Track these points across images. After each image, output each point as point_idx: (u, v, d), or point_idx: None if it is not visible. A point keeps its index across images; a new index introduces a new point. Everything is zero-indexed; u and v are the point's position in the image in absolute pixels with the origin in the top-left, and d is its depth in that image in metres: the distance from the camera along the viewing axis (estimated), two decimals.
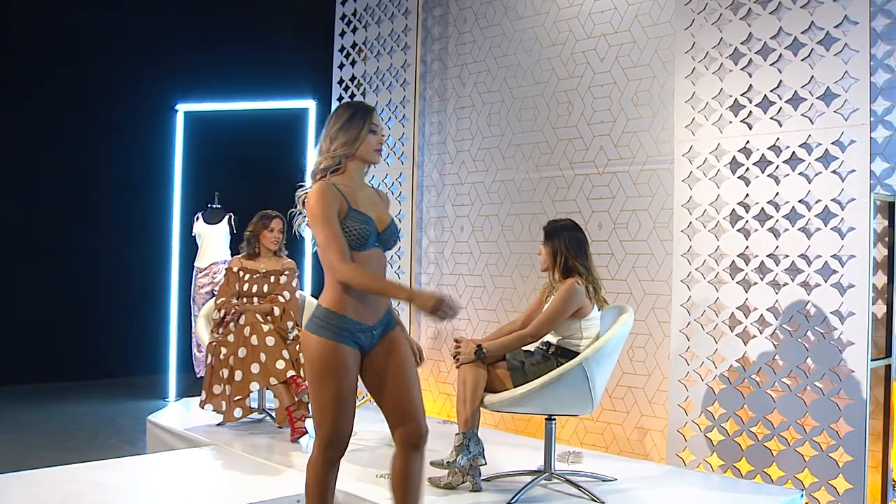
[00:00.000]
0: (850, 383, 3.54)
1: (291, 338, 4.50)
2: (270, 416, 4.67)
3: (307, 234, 2.70)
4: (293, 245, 4.77)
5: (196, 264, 6.62)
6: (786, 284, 3.78)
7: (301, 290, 5.13)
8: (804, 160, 3.75)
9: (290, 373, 4.28)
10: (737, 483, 3.74)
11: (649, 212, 4.47)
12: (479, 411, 3.41)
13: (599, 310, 3.53)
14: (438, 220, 5.67)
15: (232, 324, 4.46)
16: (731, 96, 4.00)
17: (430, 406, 5.43)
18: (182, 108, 7.11)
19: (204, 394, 4.50)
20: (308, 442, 4.26)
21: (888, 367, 3.72)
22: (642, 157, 4.51)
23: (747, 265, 3.92)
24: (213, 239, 6.61)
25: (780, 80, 3.84)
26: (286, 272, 4.72)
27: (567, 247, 3.47)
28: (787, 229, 3.80)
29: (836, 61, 3.67)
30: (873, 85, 3.61)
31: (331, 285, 2.53)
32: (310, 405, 4.28)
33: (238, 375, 4.29)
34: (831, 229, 3.65)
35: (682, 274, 4.13)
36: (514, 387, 3.35)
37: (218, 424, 4.53)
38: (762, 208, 3.88)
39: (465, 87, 5.52)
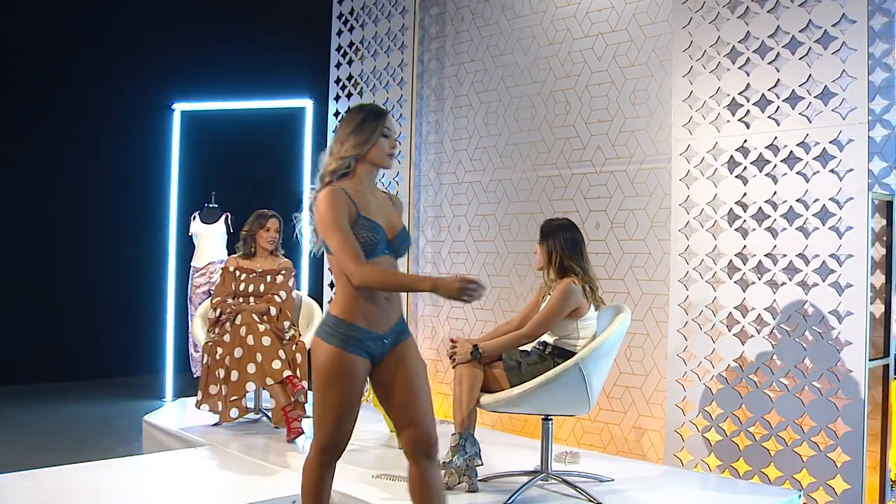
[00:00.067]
0: (848, 383, 3.53)
1: (288, 338, 4.48)
2: (267, 416, 4.66)
3: (309, 237, 2.62)
4: (290, 245, 4.75)
5: (193, 264, 6.61)
6: (784, 284, 3.77)
7: (298, 289, 5.12)
8: (802, 159, 3.74)
9: (287, 373, 4.27)
10: (734, 483, 3.73)
11: (647, 211, 4.45)
12: (476, 411, 3.39)
13: (596, 309, 3.51)
14: (435, 220, 5.66)
15: (228, 324, 4.45)
16: (728, 95, 3.99)
17: None
18: (179, 107, 7.09)
19: (200, 394, 4.48)
20: (304, 442, 4.24)
21: (886, 367, 3.71)
22: (640, 157, 4.50)
23: (745, 265, 3.90)
24: (210, 238, 6.60)
25: (778, 79, 3.83)
26: (283, 272, 4.71)
27: (562, 247, 3.46)
28: (784, 229, 3.78)
29: (834, 60, 3.65)
30: (871, 84, 3.59)
31: (342, 293, 2.49)
32: (306, 405, 4.32)
33: (234, 375, 4.28)
34: (829, 228, 3.64)
35: (679, 273, 4.11)
36: (511, 387, 3.34)
37: (214, 425, 4.51)
38: (760, 207, 3.87)
39: (462, 87, 5.51)
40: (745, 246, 3.90)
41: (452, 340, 3.48)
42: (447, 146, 5.59)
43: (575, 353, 3.37)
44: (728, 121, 3.99)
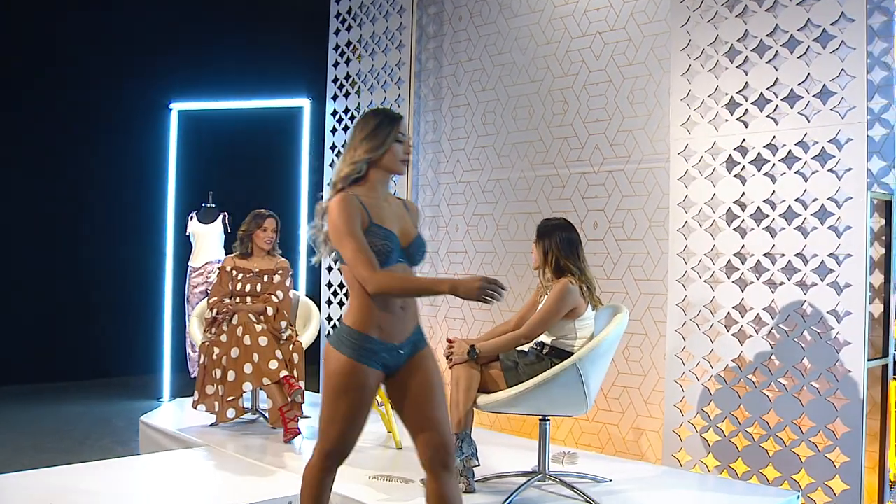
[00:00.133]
0: (847, 383, 3.52)
1: (285, 338, 4.47)
2: (263, 416, 4.65)
3: (319, 246, 2.55)
4: (287, 244, 4.74)
5: (190, 264, 6.59)
6: (782, 284, 3.76)
7: (295, 289, 5.10)
8: (800, 158, 3.73)
9: (283, 373, 4.25)
10: (733, 484, 3.71)
11: (645, 211, 4.44)
12: (473, 412, 3.38)
13: (594, 309, 3.50)
14: (433, 219, 5.64)
15: (224, 323, 4.43)
16: (727, 94, 3.97)
17: None
18: (176, 106, 7.07)
19: (196, 394, 4.47)
20: (301, 443, 4.23)
21: (885, 367, 3.70)
22: (638, 156, 4.49)
23: (743, 264, 3.89)
24: (208, 238, 6.58)
25: (777, 78, 3.81)
26: (279, 271, 4.69)
27: (558, 246, 3.44)
28: (783, 228, 3.77)
29: (832, 59, 3.64)
30: (870, 82, 3.58)
31: (356, 303, 2.43)
32: (303, 405, 4.30)
33: (231, 376, 4.26)
34: (828, 228, 3.62)
35: (677, 273, 4.10)
36: (508, 387, 3.33)
37: (211, 425, 4.50)
38: (758, 207, 3.85)
39: (460, 86, 5.49)
40: (743, 245, 3.89)
41: (449, 340, 3.47)
42: (445, 146, 5.58)
43: (572, 354, 3.35)
44: (726, 120, 3.97)
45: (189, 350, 6.49)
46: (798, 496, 3.47)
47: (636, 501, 3.37)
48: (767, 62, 3.84)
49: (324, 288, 6.07)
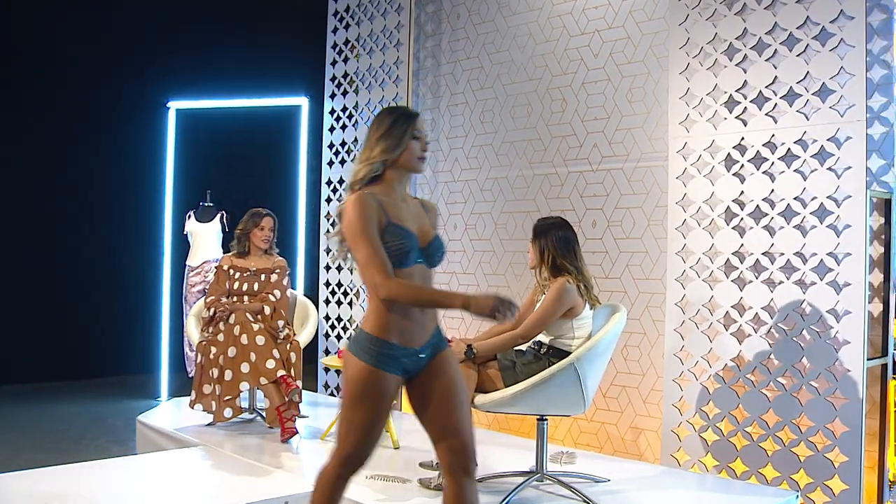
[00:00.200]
0: (846, 383, 3.50)
1: (282, 337, 4.46)
2: (261, 416, 4.63)
3: (335, 247, 2.51)
4: (284, 243, 4.72)
5: (188, 263, 6.58)
6: (781, 283, 3.74)
7: (292, 288, 5.09)
8: (800, 157, 3.72)
9: (281, 372, 4.24)
10: (731, 484, 3.70)
11: (643, 209, 4.43)
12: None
13: (592, 309, 3.48)
14: None
15: (221, 323, 4.42)
16: (725, 92, 3.96)
17: None
18: (173, 105, 7.05)
19: (194, 393, 4.45)
20: (298, 442, 4.22)
21: (884, 367, 3.68)
22: (636, 154, 4.47)
23: (742, 263, 3.88)
24: (205, 237, 6.56)
25: (776, 76, 3.80)
26: (277, 270, 4.68)
27: (555, 245, 3.43)
28: (782, 227, 3.76)
29: (831, 57, 3.63)
30: (869, 81, 3.56)
31: (373, 308, 2.38)
32: (300, 405, 4.29)
33: (228, 375, 4.25)
34: (827, 227, 3.61)
35: (676, 272, 4.09)
36: (506, 387, 3.31)
37: (208, 425, 4.49)
38: (757, 206, 3.84)
39: (458, 84, 5.48)
40: (742, 244, 3.88)
41: (447, 340, 3.45)
42: (443, 144, 5.56)
43: (570, 353, 3.34)
44: (725, 118, 3.96)
45: (187, 349, 6.47)
46: (797, 496, 3.46)
47: (635, 501, 3.36)
48: (766, 60, 3.83)
49: (322, 287, 6.05)
